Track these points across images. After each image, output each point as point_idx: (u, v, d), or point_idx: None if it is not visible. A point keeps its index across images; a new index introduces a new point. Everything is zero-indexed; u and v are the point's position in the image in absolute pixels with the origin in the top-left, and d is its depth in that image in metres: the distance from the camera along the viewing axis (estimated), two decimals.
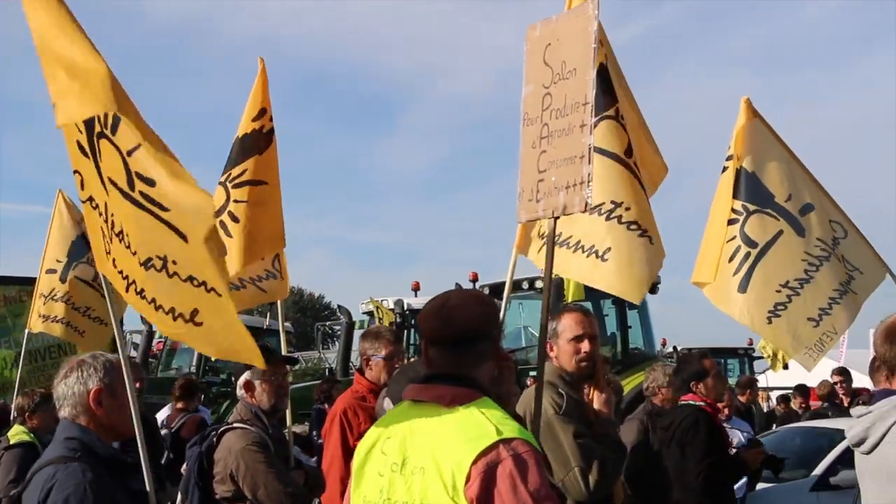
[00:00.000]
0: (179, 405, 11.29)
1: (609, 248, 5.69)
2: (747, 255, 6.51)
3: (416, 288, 20.40)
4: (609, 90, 5.93)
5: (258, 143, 7.31)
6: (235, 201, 7.20)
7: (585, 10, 4.37)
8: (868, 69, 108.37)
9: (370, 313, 20.28)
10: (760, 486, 11.31)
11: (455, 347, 3.25)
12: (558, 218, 4.41)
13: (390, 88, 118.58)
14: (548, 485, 2.98)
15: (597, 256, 5.73)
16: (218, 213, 7.20)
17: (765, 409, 16.37)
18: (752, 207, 6.59)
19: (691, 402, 7.31)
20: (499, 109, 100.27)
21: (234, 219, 7.20)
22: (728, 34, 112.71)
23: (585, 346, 5.26)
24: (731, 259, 6.57)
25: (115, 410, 4.11)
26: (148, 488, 4.52)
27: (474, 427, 3.02)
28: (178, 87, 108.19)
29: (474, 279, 17.66)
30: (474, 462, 2.91)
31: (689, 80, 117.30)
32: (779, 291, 6.43)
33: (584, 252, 5.79)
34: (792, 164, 6.75)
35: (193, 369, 20.28)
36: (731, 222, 6.62)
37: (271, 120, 7.37)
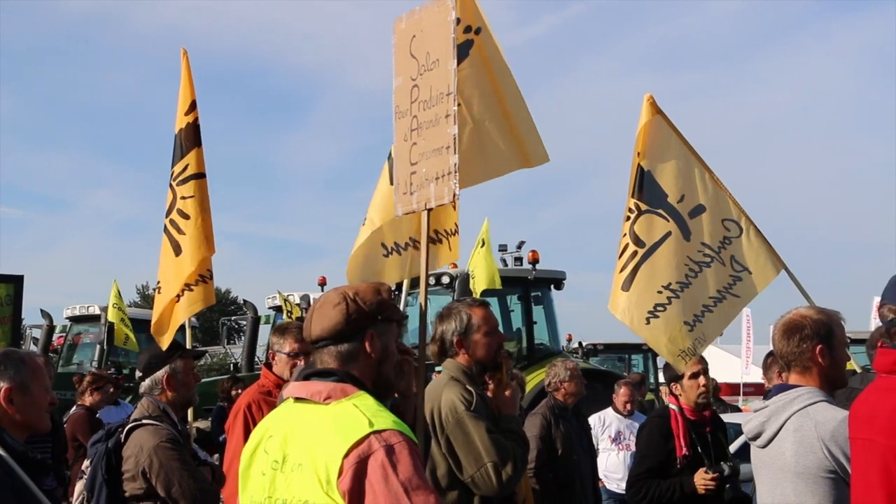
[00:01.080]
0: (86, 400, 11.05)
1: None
2: (634, 253, 6.60)
3: (322, 283, 20.34)
4: None
5: (194, 136, 7.38)
6: (183, 198, 7.33)
7: (444, 1, 4.41)
8: (767, 66, 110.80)
9: (277, 308, 20.19)
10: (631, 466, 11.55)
11: (331, 344, 3.32)
12: (431, 210, 4.39)
13: (299, 83, 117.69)
14: (421, 474, 2.97)
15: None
16: (168, 212, 7.28)
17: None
18: (643, 207, 6.67)
19: (670, 404, 7.16)
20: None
21: (184, 215, 7.34)
22: (633, 32, 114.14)
23: (499, 338, 5.31)
24: (620, 255, 6.68)
25: (28, 407, 4.05)
26: None
27: (347, 421, 3.03)
28: (86, 77, 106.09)
29: (322, 283, 17.77)
30: (346, 455, 2.91)
31: (595, 78, 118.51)
32: (660, 293, 6.53)
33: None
34: (691, 162, 6.83)
35: (95, 364, 19.96)
36: (626, 219, 6.72)
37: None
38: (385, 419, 3.04)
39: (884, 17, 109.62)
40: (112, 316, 19.32)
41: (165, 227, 7.44)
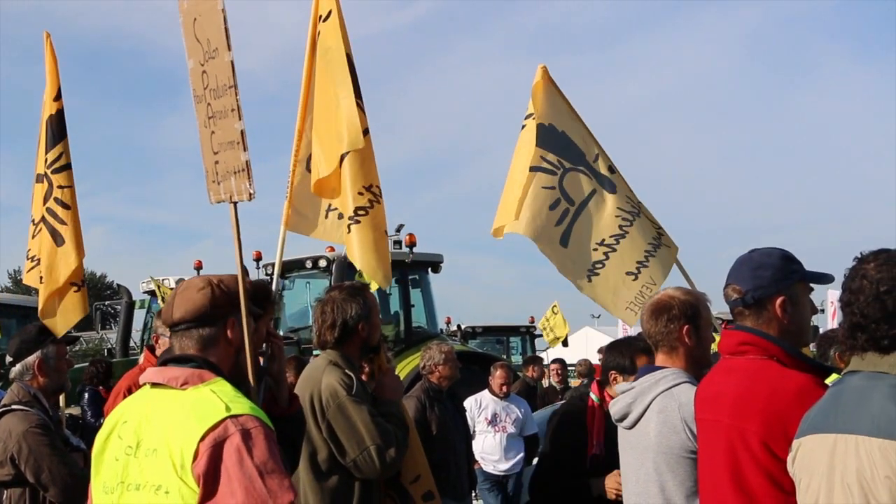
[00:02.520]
0: None
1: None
2: (566, 210, 6.65)
3: (198, 267, 20.07)
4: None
5: (63, 124, 7.27)
6: (60, 187, 7.21)
7: None
8: (639, 52, 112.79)
9: (151, 292, 19.87)
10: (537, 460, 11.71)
11: (188, 331, 3.37)
12: (236, 203, 4.24)
13: (174, 65, 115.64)
14: (277, 459, 3.00)
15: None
16: (45, 199, 7.15)
17: (545, 386, 16.86)
18: (567, 164, 6.73)
19: (592, 394, 6.06)
20: (283, 87, 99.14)
21: (64, 205, 7.20)
22: (508, 16, 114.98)
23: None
24: (552, 208, 6.67)
25: None
26: None
27: (204, 406, 3.05)
28: None
29: (258, 258, 17.55)
30: (202, 438, 2.93)
31: (473, 63, 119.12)
32: (595, 250, 6.61)
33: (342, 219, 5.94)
34: (589, 132, 6.98)
35: None
36: (542, 171, 6.71)
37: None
38: (242, 405, 3.07)
39: (751, 4, 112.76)
40: None
41: (43, 216, 7.31)
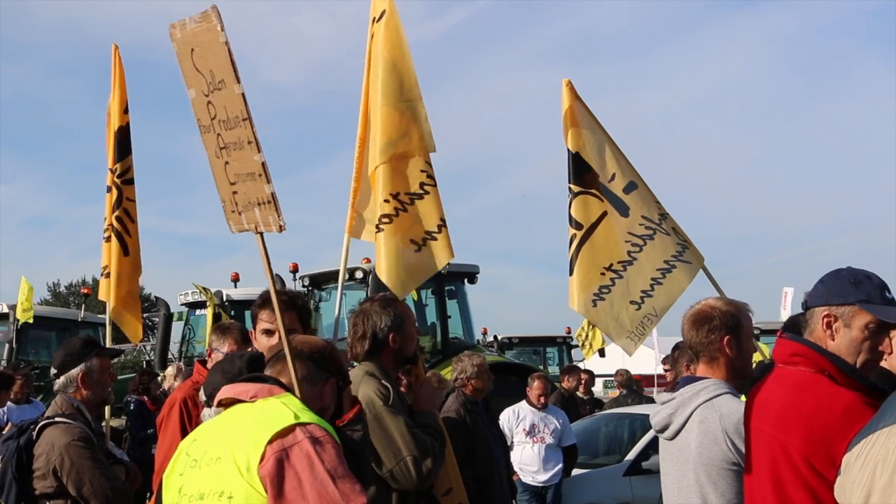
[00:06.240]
0: None
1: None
2: (573, 236, 6.58)
3: (235, 279, 20.21)
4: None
5: (128, 138, 7.55)
6: (128, 199, 7.46)
7: (209, 18, 3.97)
8: (669, 60, 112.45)
9: (192, 304, 19.98)
10: (576, 471, 11.70)
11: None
12: (262, 233, 4.17)
13: None
14: (346, 466, 3.02)
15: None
16: (114, 208, 7.34)
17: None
18: (576, 189, 6.65)
19: None
20: (315, 98, 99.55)
21: (130, 218, 7.47)
22: (538, 27, 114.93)
23: (418, 332, 5.39)
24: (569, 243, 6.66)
25: None
26: None
27: (272, 413, 3.09)
28: None
29: (294, 270, 17.60)
30: (270, 442, 2.96)
31: (502, 72, 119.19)
32: (603, 274, 6.51)
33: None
34: (614, 147, 6.85)
35: (4, 363, 19.59)
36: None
37: None
38: (310, 415, 3.11)
39: (784, 9, 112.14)
40: (21, 315, 19.00)
41: (112, 224, 7.55)
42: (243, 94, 3.94)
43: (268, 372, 3.64)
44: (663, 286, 6.63)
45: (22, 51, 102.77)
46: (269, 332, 5.37)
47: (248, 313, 17.76)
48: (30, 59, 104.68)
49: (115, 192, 7.47)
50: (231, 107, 4.01)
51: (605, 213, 6.66)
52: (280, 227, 4.04)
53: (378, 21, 5.98)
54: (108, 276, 7.55)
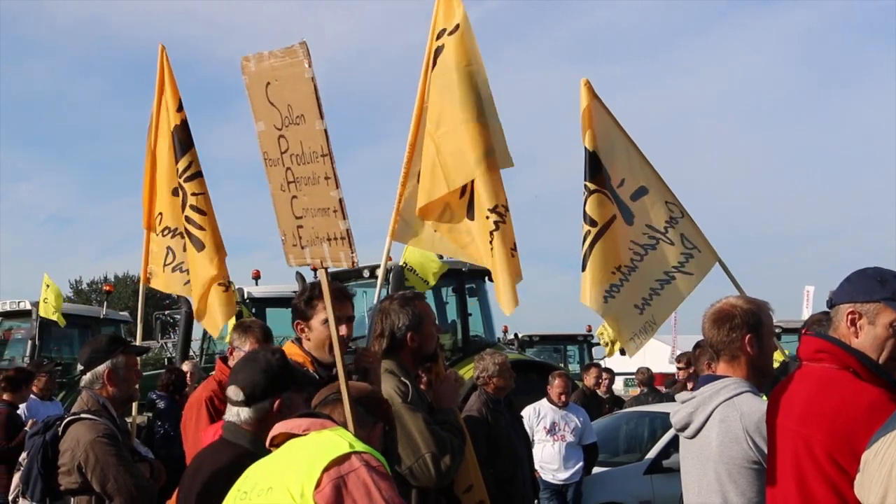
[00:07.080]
0: (5, 397, 10.95)
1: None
2: (587, 233, 6.65)
3: (256, 276, 20.25)
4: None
5: (188, 133, 7.64)
6: (194, 194, 7.58)
7: (295, 53, 3.94)
8: (686, 58, 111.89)
9: None
10: (596, 469, 11.69)
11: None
12: (328, 268, 4.17)
13: (226, 74, 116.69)
14: (400, 498, 3.07)
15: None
16: (182, 209, 7.46)
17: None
18: (592, 187, 6.72)
19: None
20: (332, 97, 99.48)
21: (200, 211, 7.58)
22: (552, 26, 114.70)
23: (438, 329, 5.42)
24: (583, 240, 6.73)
25: None
26: None
27: (328, 443, 3.12)
28: (3, 68, 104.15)
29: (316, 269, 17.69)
30: (326, 469, 2.98)
31: (516, 71, 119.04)
32: (614, 273, 6.60)
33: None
34: (629, 148, 6.92)
35: (27, 360, 19.69)
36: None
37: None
38: (365, 446, 3.14)
39: (800, 6, 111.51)
40: (43, 312, 19.11)
41: (183, 224, 7.70)
42: (325, 130, 3.92)
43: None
44: (661, 297, 6.72)
45: (42, 48, 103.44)
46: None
47: (269, 310, 17.92)
48: (49, 57, 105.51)
49: (179, 193, 7.64)
50: (309, 142, 3.98)
51: (614, 216, 6.76)
52: (353, 262, 4.04)
53: (451, 34, 6.05)
54: (185, 270, 7.81)
